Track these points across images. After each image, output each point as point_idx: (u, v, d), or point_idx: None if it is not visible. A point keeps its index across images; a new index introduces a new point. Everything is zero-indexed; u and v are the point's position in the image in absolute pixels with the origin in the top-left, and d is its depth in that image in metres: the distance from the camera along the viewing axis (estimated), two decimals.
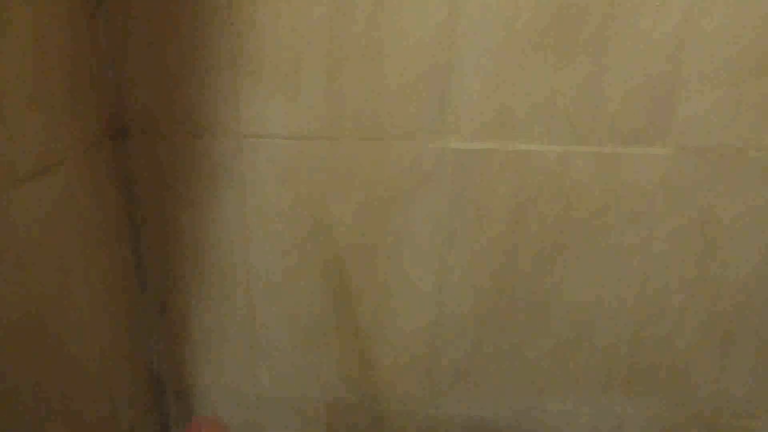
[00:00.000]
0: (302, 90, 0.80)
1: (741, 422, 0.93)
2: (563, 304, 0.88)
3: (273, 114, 0.81)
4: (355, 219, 0.86)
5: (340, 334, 0.92)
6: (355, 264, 0.88)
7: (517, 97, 0.78)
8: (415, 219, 0.85)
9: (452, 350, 0.92)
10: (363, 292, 0.90)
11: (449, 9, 0.75)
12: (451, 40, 0.76)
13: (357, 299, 0.90)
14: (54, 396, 0.70)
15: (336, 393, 0.96)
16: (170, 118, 0.82)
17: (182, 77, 0.80)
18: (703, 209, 0.81)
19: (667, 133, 0.78)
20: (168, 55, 0.79)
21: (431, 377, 0.94)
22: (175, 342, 0.94)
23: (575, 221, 0.83)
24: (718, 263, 0.84)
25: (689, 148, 0.79)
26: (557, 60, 0.76)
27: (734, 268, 0.84)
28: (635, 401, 0.93)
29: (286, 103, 0.80)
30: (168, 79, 0.80)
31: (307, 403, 0.97)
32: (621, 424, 0.95)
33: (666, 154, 0.79)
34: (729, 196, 0.80)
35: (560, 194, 0.82)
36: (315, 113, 0.81)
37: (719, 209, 0.81)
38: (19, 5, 0.62)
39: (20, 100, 0.62)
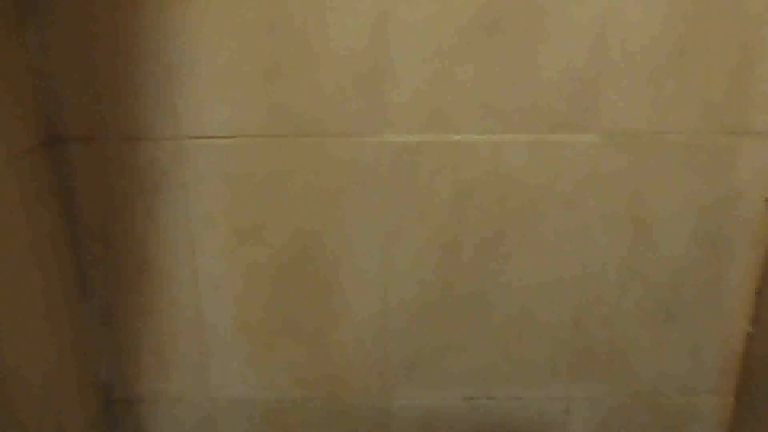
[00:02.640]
0: (240, 91, 0.80)
1: (683, 399, 0.97)
2: (505, 291, 0.90)
3: (211, 115, 0.81)
4: (298, 216, 0.86)
5: (289, 333, 0.93)
6: (300, 261, 0.89)
7: (450, 90, 0.80)
8: (357, 214, 0.86)
9: (401, 342, 0.93)
10: (309, 289, 0.90)
11: (379, 12, 0.77)
12: (383, 41, 0.78)
13: (304, 297, 0.90)
14: None
15: (288, 392, 0.96)
16: (106, 124, 0.82)
17: (116, 82, 0.80)
18: (632, 193, 0.85)
19: (593, 120, 0.81)
20: (101, 60, 0.79)
21: (382, 370, 0.95)
22: (122, 350, 0.93)
23: (513, 209, 0.86)
24: (651, 244, 0.88)
25: (615, 134, 0.82)
26: (486, 54, 0.79)
27: (666, 248, 0.88)
28: (580, 384, 0.96)
29: (224, 104, 0.81)
30: (102, 85, 0.80)
31: (260, 403, 0.97)
32: (568, 407, 0.97)
33: (593, 141, 0.82)
34: (655, 178, 0.84)
35: (496, 183, 0.85)
36: (254, 113, 0.81)
37: (647, 192, 0.85)
38: None
39: None
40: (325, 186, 0.85)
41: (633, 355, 0.94)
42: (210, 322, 0.92)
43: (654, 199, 0.85)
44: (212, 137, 0.82)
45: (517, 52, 0.79)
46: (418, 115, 0.82)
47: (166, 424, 0.98)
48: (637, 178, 0.84)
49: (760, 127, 0.81)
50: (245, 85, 0.80)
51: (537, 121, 0.82)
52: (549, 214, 0.86)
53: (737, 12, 0.77)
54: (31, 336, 0.76)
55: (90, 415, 0.92)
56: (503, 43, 0.78)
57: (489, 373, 0.95)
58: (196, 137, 0.82)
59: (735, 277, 0.89)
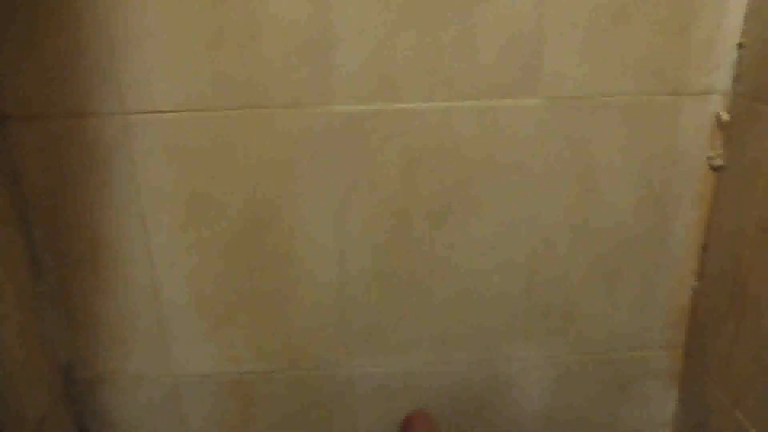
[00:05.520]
0: (184, 63, 0.80)
1: (635, 354, 1.00)
2: (458, 256, 0.92)
3: (157, 89, 0.81)
4: (250, 188, 0.86)
5: (247, 305, 0.93)
6: (254, 233, 0.89)
7: (395, 58, 0.80)
8: (309, 183, 0.86)
9: (359, 310, 0.95)
10: (265, 261, 0.91)
11: None
12: (326, 8, 0.78)
13: (260, 268, 0.91)
14: None
15: (250, 364, 0.97)
16: (50, 102, 0.80)
17: (59, 59, 0.78)
18: (578, 155, 0.87)
19: (537, 85, 0.83)
20: (43, 36, 0.77)
21: (342, 338, 0.96)
22: (78, 330, 0.93)
23: (462, 175, 0.87)
24: (599, 205, 0.90)
25: (560, 97, 0.83)
26: (428, 20, 0.79)
27: (613, 208, 0.90)
28: (535, 344, 0.98)
29: (168, 77, 0.80)
30: (44, 62, 0.78)
31: (222, 377, 0.98)
32: (525, 367, 1.00)
33: (538, 105, 0.84)
34: (600, 140, 0.86)
35: (446, 150, 0.86)
36: (199, 86, 0.81)
37: (593, 153, 0.87)
38: None
39: None
40: (276, 157, 0.85)
41: (585, 313, 0.97)
42: (167, 297, 0.92)
43: (600, 160, 0.87)
44: (158, 111, 0.82)
45: (460, 18, 0.79)
46: (366, 84, 0.82)
47: (128, 403, 0.98)
48: (582, 140, 0.86)
49: (699, 87, 0.83)
50: (190, 58, 0.79)
51: (483, 87, 0.83)
52: (498, 179, 0.88)
53: None
54: None
55: (51, 396, 0.92)
56: (445, 10, 0.79)
57: (446, 337, 0.97)
58: (143, 112, 0.81)
59: (680, 233, 0.92)
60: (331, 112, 0.83)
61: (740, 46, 0.80)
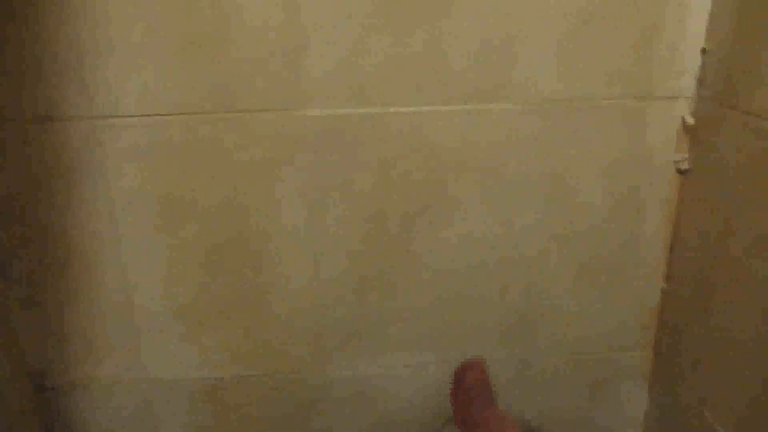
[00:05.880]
0: (156, 68, 0.79)
1: (608, 356, 1.02)
2: (433, 260, 0.92)
3: (127, 93, 0.80)
4: (224, 192, 0.86)
5: (222, 309, 0.93)
6: (228, 237, 0.89)
7: (367, 62, 0.81)
8: (284, 188, 0.87)
9: (335, 314, 0.95)
10: (241, 265, 0.90)
11: None
12: (297, 14, 0.78)
13: (235, 272, 0.91)
14: None
15: (226, 369, 0.97)
16: (17, 106, 0.79)
17: (24, 63, 0.77)
18: (549, 158, 0.88)
19: (508, 90, 0.84)
20: (8, 41, 0.76)
21: (318, 342, 0.96)
22: (48, 336, 0.91)
23: (436, 179, 0.88)
24: (570, 207, 0.91)
25: (530, 101, 0.85)
26: (399, 25, 0.80)
27: (585, 211, 0.92)
28: (509, 346, 0.99)
29: (139, 81, 0.80)
30: (10, 66, 0.78)
31: (198, 382, 0.97)
32: (501, 369, 1.01)
33: (509, 110, 0.85)
34: (570, 143, 0.87)
35: (419, 154, 0.86)
36: (171, 90, 0.80)
37: (564, 156, 0.88)
38: None
39: None
40: (250, 161, 0.85)
41: (558, 315, 0.98)
42: (140, 303, 0.91)
43: (571, 164, 0.89)
44: (129, 115, 0.81)
45: (431, 23, 0.80)
46: (339, 89, 0.82)
47: (101, 410, 0.97)
48: (553, 144, 0.87)
49: (666, 92, 0.85)
50: (161, 62, 0.79)
51: (455, 92, 0.83)
52: (471, 183, 0.89)
53: None
54: None
55: (21, 403, 0.90)
56: (416, 15, 0.79)
57: (422, 340, 0.98)
58: (113, 116, 0.81)
59: (650, 236, 0.94)
60: (304, 117, 0.83)
61: (704, 51, 0.82)
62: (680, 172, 0.89)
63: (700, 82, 0.84)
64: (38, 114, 0.80)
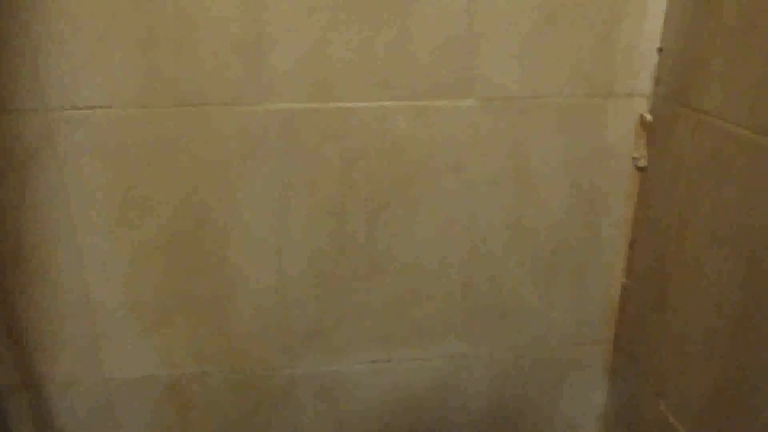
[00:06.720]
0: (114, 60, 0.78)
1: (570, 350, 1.03)
2: (396, 256, 0.93)
3: (84, 86, 0.78)
4: (184, 188, 0.85)
5: (184, 307, 0.91)
6: (190, 234, 0.87)
7: (331, 57, 0.81)
8: (246, 183, 0.86)
9: (299, 311, 0.94)
10: (202, 262, 0.89)
11: None
12: (259, 7, 0.77)
13: (196, 269, 0.89)
14: None
15: (187, 368, 0.95)
16: None
17: None
18: (512, 154, 0.89)
19: (471, 86, 0.84)
20: None
21: (282, 340, 0.96)
22: (3, 334, 0.89)
23: (399, 175, 0.88)
24: (532, 203, 0.92)
25: (493, 99, 0.85)
26: (365, 22, 0.80)
27: (547, 206, 0.93)
28: (474, 343, 1.00)
29: (97, 74, 0.78)
30: None
31: (158, 381, 0.95)
32: (466, 365, 1.01)
33: (472, 106, 0.85)
34: (532, 140, 0.88)
35: (383, 150, 0.86)
36: (130, 83, 0.79)
37: (526, 153, 0.89)
38: None
39: None
40: (211, 156, 0.84)
41: (521, 311, 0.99)
42: (98, 300, 0.89)
43: (533, 160, 0.90)
44: (87, 108, 0.79)
45: (394, 19, 0.80)
46: (301, 84, 0.82)
47: (58, 411, 0.95)
48: (515, 140, 0.88)
49: (625, 89, 0.87)
50: (119, 55, 0.78)
51: (418, 88, 0.84)
52: (435, 179, 0.89)
53: None
54: None
55: None
56: (379, 10, 0.79)
57: (387, 337, 0.98)
58: (69, 108, 0.79)
59: (610, 232, 0.95)
60: (266, 111, 0.83)
61: (660, 50, 0.84)
62: (639, 168, 0.90)
63: (657, 80, 0.85)
64: None
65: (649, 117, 0.87)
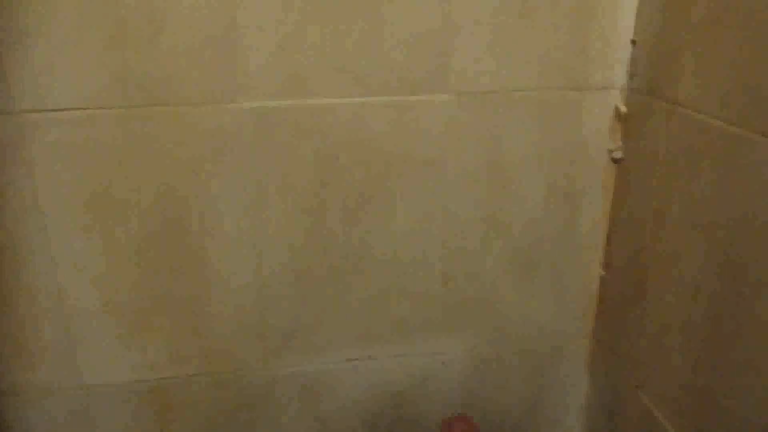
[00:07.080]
0: (83, 59, 0.76)
1: (550, 343, 1.03)
2: (374, 253, 0.92)
3: (52, 87, 0.77)
4: (158, 187, 0.84)
5: (162, 309, 0.90)
6: (165, 234, 0.86)
7: (303, 53, 0.80)
8: (222, 182, 0.85)
9: (278, 310, 0.93)
10: (179, 263, 0.88)
11: None
12: (231, 3, 0.77)
13: (173, 270, 0.88)
14: None
15: (166, 370, 0.94)
16: None
17: None
18: (488, 148, 0.89)
19: (446, 80, 0.84)
20: None
21: (262, 339, 0.95)
22: None
23: (375, 171, 0.87)
24: (509, 197, 0.92)
25: (468, 93, 0.85)
26: (338, 17, 0.79)
27: (524, 200, 0.93)
28: (454, 338, 1.00)
29: (66, 74, 0.76)
30: None
31: (137, 385, 0.94)
32: (447, 360, 1.01)
33: (448, 100, 0.85)
34: (508, 134, 0.88)
35: (358, 145, 0.86)
36: (100, 82, 0.77)
37: (502, 147, 0.89)
38: None
39: None
40: (185, 155, 0.83)
41: (500, 305, 0.99)
42: (73, 304, 0.88)
43: (510, 154, 0.89)
44: (56, 110, 0.78)
45: (367, 13, 0.79)
46: (274, 80, 0.81)
47: (35, 418, 0.93)
48: (492, 135, 0.88)
49: (600, 82, 0.87)
50: (89, 53, 0.76)
51: (393, 83, 0.83)
52: (411, 174, 0.88)
53: None
54: None
55: None
56: (352, 5, 0.79)
57: (367, 334, 0.97)
58: (37, 110, 0.77)
59: (587, 225, 0.96)
60: (240, 109, 0.82)
61: (633, 43, 0.84)
62: (615, 161, 0.91)
63: (631, 73, 0.86)
64: None
65: (624, 109, 0.87)
